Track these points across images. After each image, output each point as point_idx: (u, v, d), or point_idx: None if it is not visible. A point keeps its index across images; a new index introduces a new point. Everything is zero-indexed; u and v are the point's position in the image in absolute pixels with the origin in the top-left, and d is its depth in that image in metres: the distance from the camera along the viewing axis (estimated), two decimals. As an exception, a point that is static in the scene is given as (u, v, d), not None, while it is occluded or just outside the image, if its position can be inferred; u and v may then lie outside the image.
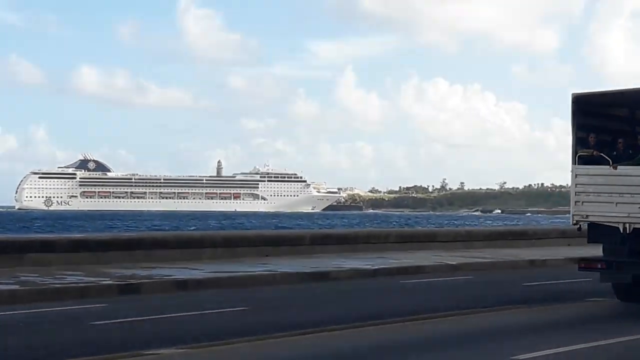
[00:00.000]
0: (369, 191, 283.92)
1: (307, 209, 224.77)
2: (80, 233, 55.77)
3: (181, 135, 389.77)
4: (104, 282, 21.63)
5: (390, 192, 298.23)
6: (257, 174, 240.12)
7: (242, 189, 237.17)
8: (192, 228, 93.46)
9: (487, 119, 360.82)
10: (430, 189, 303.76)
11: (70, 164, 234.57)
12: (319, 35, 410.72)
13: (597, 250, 19.15)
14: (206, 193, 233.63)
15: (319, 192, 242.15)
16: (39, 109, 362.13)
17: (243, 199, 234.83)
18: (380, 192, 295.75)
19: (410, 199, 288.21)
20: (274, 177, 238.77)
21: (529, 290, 23.27)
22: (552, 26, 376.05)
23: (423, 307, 18.80)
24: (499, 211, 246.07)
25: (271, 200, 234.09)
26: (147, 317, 16.96)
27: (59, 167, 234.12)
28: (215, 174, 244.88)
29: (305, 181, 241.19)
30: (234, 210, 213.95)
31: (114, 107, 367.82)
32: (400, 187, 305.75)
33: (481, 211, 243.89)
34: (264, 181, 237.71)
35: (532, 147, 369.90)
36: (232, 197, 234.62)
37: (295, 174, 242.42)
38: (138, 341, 13.96)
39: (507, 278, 26.64)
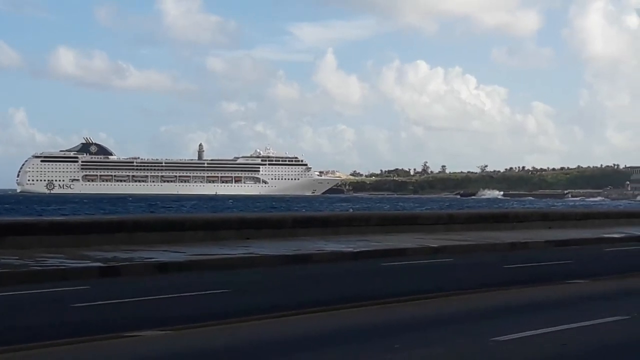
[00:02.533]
0: (350, 174, 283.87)
1: (308, 192, 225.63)
2: (61, 216, 55.58)
3: (161, 118, 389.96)
4: (84, 264, 21.57)
5: (371, 175, 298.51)
6: (258, 157, 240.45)
7: (243, 172, 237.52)
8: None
9: (467, 102, 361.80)
10: (411, 172, 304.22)
11: (72, 148, 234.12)
12: (299, 18, 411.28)
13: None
14: (207, 177, 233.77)
15: (320, 175, 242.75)
16: (16, 92, 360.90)
17: (244, 182, 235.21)
18: (361, 175, 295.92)
19: (391, 182, 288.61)
20: (275, 160, 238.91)
21: (509, 272, 23.36)
22: (532, 9, 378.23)
23: (404, 289, 18.85)
24: (500, 193, 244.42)
25: (272, 184, 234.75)
26: (128, 300, 16.94)
27: (60, 151, 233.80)
28: (196, 158, 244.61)
29: (306, 165, 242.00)
30: (214, 193, 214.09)
31: (92, 90, 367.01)
32: (381, 171, 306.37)
33: (461, 195, 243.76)
34: (265, 164, 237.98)
35: (513, 130, 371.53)
36: (234, 180, 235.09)
37: (296, 158, 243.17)
38: (119, 323, 13.95)
39: (488, 260, 26.76)
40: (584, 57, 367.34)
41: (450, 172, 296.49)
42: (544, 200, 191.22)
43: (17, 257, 22.10)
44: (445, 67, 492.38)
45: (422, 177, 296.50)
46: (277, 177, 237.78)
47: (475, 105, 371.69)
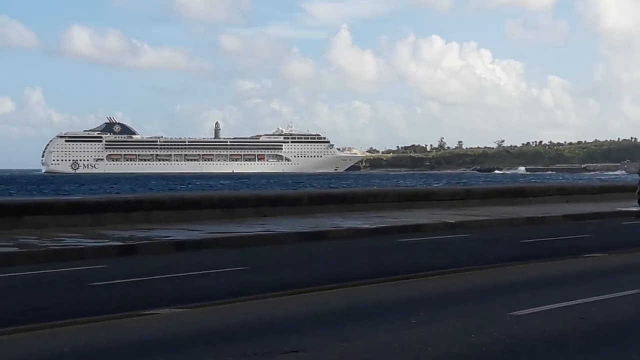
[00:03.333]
0: (367, 151, 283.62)
1: (330, 169, 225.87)
2: (77, 195, 55.76)
3: (176, 97, 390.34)
4: (102, 243, 21.64)
5: (388, 151, 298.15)
6: (280, 135, 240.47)
7: (266, 150, 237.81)
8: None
9: (483, 77, 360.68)
10: (428, 148, 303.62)
11: (96, 127, 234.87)
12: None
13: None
14: (230, 155, 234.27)
15: (342, 152, 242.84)
16: (32, 71, 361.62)
17: (267, 160, 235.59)
18: (378, 152, 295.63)
19: (408, 159, 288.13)
20: (298, 138, 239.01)
21: (527, 247, 23.30)
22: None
23: (422, 265, 18.84)
24: (523, 169, 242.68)
25: (295, 162, 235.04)
26: (146, 278, 16.96)
27: (84, 131, 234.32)
28: (213, 136, 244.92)
29: (328, 142, 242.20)
30: (232, 171, 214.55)
31: (107, 69, 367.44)
32: (398, 147, 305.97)
33: (478, 170, 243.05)
34: (288, 142, 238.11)
35: (529, 104, 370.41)
36: (257, 158, 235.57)
37: (319, 135, 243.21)
38: (137, 301, 13.99)
39: (505, 235, 26.69)
40: (599, 30, 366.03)
41: (467, 148, 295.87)
42: (566, 175, 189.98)
43: (35, 237, 22.21)
44: (460, 41, 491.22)
45: (439, 152, 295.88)
46: (299, 155, 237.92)
47: (491, 80, 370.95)
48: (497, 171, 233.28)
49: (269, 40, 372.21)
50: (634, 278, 16.10)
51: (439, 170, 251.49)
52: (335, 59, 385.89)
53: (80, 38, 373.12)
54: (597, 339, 10.51)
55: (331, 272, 17.91)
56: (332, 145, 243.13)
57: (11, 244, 20.85)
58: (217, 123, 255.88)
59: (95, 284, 16.13)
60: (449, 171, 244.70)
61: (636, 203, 34.67)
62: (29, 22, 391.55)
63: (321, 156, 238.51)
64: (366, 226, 27.21)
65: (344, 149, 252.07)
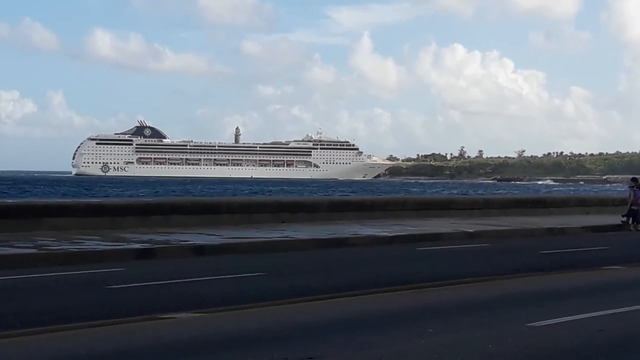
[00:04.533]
0: (387, 159, 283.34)
1: (359, 176, 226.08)
2: (97, 198, 55.95)
3: (197, 101, 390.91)
4: (121, 246, 21.69)
5: (408, 159, 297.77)
6: (309, 141, 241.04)
7: (295, 156, 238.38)
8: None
9: (505, 86, 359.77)
10: (448, 157, 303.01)
11: (127, 131, 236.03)
12: (336, 1, 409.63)
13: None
14: (259, 160, 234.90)
15: (370, 160, 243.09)
16: (54, 74, 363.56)
17: (296, 166, 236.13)
18: (398, 159, 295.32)
19: (428, 167, 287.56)
20: (327, 144, 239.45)
21: (546, 258, 23.22)
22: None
23: (440, 274, 18.80)
24: (549, 181, 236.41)
25: (324, 168, 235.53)
26: (164, 282, 17.00)
27: (115, 134, 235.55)
28: (233, 141, 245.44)
29: (357, 149, 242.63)
30: (250, 177, 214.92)
31: (128, 72, 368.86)
32: (418, 155, 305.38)
33: (498, 180, 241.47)
34: (317, 149, 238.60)
35: (551, 115, 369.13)
36: (286, 164, 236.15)
37: (348, 142, 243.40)
38: (155, 305, 14.01)
39: (524, 246, 26.59)
40: (623, 40, 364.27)
41: (487, 157, 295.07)
42: (597, 185, 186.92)
43: (54, 239, 22.29)
44: (483, 50, 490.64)
45: (459, 161, 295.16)
46: (328, 161, 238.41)
47: (513, 89, 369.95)
48: (527, 182, 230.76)
49: (291, 46, 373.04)
50: (653, 291, 16.02)
51: (460, 179, 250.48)
52: (356, 66, 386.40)
53: (103, 41, 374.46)
54: (615, 352, 10.45)
55: (349, 280, 17.89)
56: (361, 152, 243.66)
57: (31, 245, 20.93)
58: (237, 128, 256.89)
59: (113, 286, 16.17)
60: (478, 180, 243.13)
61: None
62: (51, 25, 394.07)
63: (350, 163, 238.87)
64: (385, 234, 27.17)
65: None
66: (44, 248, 20.62)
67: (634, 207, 33.81)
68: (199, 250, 22.32)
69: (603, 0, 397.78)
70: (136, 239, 23.09)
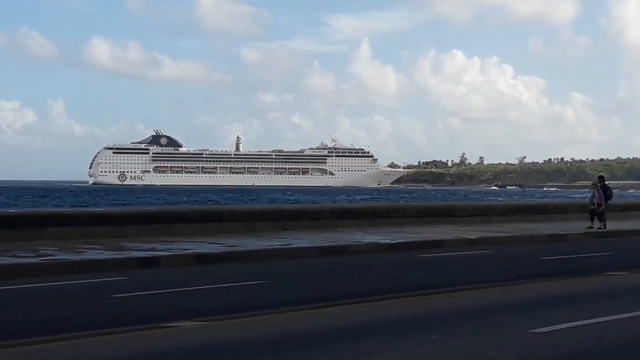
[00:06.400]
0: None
1: (374, 184, 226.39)
2: (99, 207, 55.99)
3: (197, 109, 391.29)
4: (123, 255, 21.71)
5: (409, 167, 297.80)
6: (324, 149, 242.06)
7: (310, 164, 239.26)
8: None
9: (505, 92, 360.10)
10: (449, 164, 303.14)
11: (143, 140, 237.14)
12: (334, 8, 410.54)
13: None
14: (275, 168, 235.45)
15: (386, 167, 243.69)
16: (53, 83, 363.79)
17: (311, 174, 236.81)
18: (399, 167, 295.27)
19: (429, 174, 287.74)
20: (342, 152, 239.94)
21: (547, 264, 23.22)
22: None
23: (442, 280, 18.80)
24: (555, 188, 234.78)
25: (339, 175, 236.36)
26: (167, 290, 17.02)
27: (132, 143, 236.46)
28: (234, 149, 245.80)
29: (372, 156, 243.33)
30: (252, 184, 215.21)
31: (127, 80, 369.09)
32: (419, 162, 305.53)
33: (498, 187, 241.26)
34: (332, 156, 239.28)
35: (551, 121, 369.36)
36: (301, 172, 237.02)
37: (362, 149, 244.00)
38: (157, 314, 14.03)
39: (526, 252, 26.60)
40: (622, 45, 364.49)
41: (488, 164, 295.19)
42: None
43: (56, 248, 22.31)
44: (482, 57, 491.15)
45: (460, 168, 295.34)
46: (344, 169, 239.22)
47: (513, 95, 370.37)
48: (530, 188, 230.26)
49: (290, 54, 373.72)
50: (655, 297, 16.02)
51: (458, 186, 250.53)
52: (356, 73, 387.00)
53: (101, 50, 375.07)
54: (618, 358, 10.46)
55: (351, 287, 17.91)
56: (376, 159, 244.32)
57: (33, 255, 20.95)
58: (238, 137, 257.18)
59: (115, 295, 16.19)
60: (479, 186, 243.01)
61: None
62: (49, 34, 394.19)
63: (365, 170, 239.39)
64: (387, 241, 27.18)
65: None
66: (46, 257, 20.64)
67: (593, 207, 34.10)
68: (201, 258, 22.33)
69: (602, 6, 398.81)
70: (138, 248, 23.11)
